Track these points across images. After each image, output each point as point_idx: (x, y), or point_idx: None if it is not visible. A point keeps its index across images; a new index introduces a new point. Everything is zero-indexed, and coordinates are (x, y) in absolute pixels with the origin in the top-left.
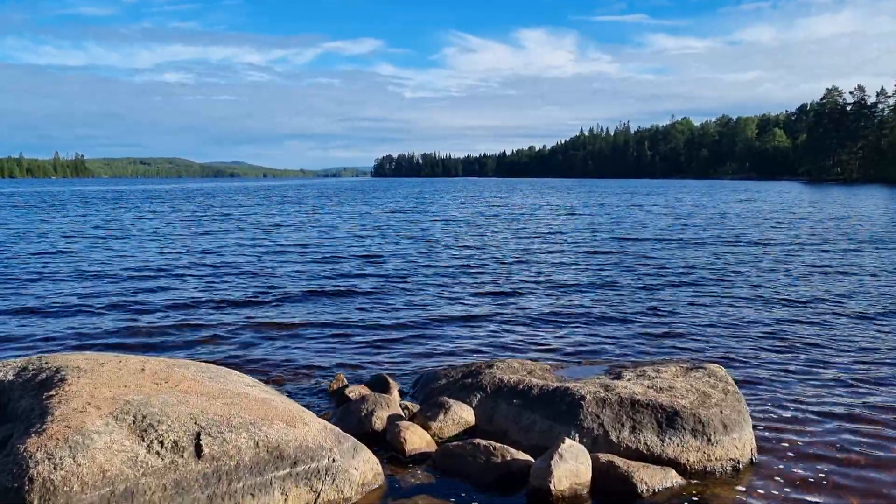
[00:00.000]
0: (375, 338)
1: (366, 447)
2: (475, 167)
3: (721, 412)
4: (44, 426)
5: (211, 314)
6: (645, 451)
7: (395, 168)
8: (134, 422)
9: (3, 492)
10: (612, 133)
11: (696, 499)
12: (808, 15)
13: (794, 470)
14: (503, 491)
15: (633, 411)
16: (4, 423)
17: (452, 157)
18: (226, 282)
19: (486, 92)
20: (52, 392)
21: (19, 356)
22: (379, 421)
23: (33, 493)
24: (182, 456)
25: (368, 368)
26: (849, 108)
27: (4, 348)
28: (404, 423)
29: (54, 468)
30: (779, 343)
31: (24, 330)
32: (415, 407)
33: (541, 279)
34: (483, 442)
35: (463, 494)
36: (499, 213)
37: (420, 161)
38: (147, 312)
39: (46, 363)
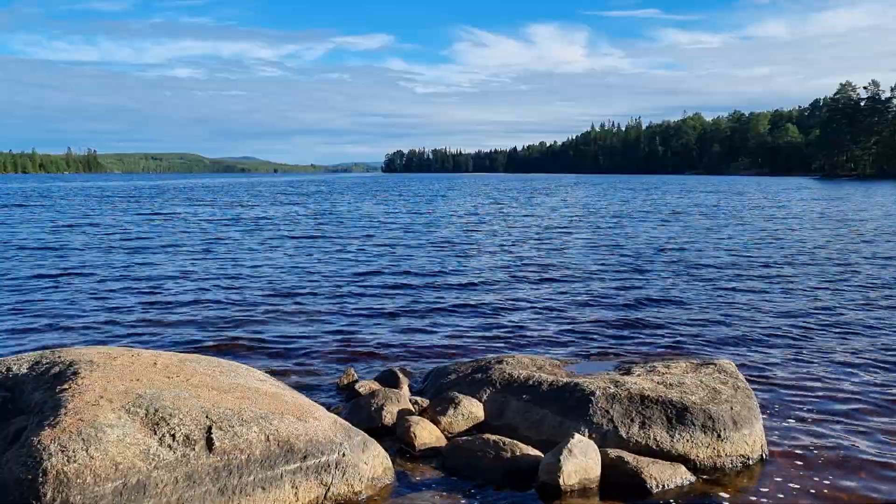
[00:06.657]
0: (385, 333)
1: (376, 442)
2: (486, 163)
3: (731, 408)
4: (57, 419)
5: (223, 310)
6: (654, 447)
7: (405, 163)
8: (146, 415)
9: (18, 483)
10: (623, 128)
11: (705, 495)
12: (822, 10)
13: (805, 467)
14: (512, 486)
15: (642, 407)
16: (18, 415)
17: (463, 152)
18: (236, 278)
19: (498, 87)
20: (66, 385)
21: (33, 349)
22: (389, 415)
23: (47, 485)
24: (193, 449)
25: (378, 363)
26: (862, 103)
27: (18, 342)
28: (414, 418)
29: (68, 460)
30: (790, 340)
31: (37, 323)
32: (425, 402)
33: (551, 275)
34: (492, 437)
35: (472, 489)
36: (509, 211)
37: (430, 156)
38: (159, 308)
39: (59, 357)
